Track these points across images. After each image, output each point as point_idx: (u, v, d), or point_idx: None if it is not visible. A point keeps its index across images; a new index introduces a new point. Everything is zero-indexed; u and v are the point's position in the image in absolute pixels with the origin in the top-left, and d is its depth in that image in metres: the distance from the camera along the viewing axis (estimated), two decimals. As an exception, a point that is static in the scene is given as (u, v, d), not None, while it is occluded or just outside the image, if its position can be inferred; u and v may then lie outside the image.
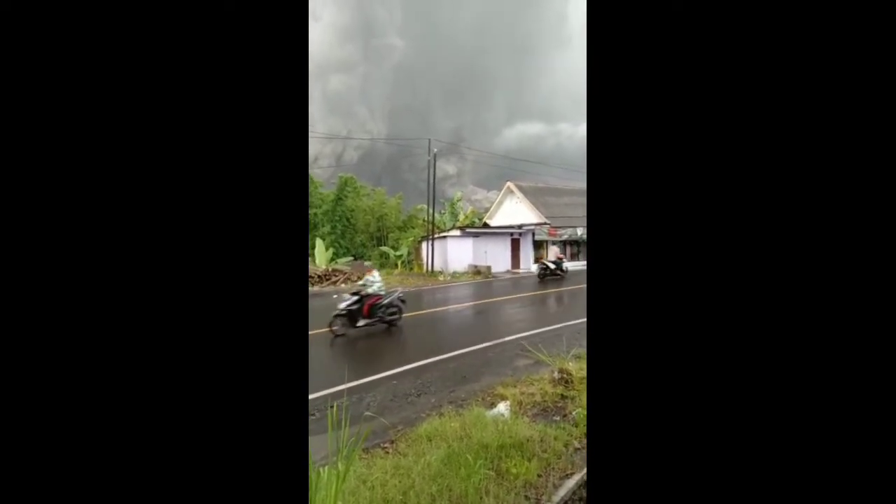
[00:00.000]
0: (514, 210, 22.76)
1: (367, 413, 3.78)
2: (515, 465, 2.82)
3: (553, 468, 2.91)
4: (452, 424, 3.46)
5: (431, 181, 18.79)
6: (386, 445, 3.31)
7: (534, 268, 19.56)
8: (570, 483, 2.79)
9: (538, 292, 12.35)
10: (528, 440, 3.15)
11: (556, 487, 2.72)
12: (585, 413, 3.66)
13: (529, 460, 2.91)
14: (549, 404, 3.96)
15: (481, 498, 2.45)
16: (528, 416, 3.74)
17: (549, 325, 7.46)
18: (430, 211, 19.51)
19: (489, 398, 4.19)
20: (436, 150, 18.99)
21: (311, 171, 28.49)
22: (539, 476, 2.80)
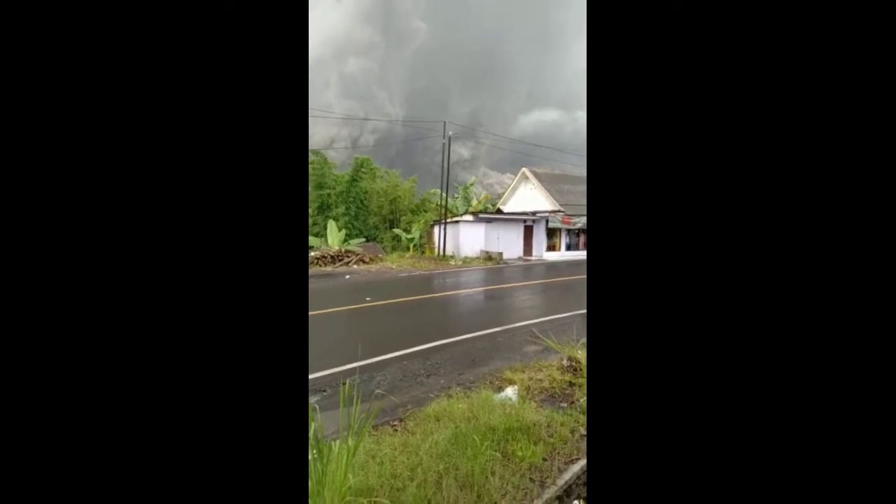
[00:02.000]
0: (529, 196, 22.53)
1: (378, 391, 3.87)
2: (521, 448, 2.86)
3: (559, 453, 2.95)
4: (460, 406, 3.52)
5: (446, 165, 18.68)
6: (395, 423, 3.38)
7: (547, 255, 19.46)
8: (575, 468, 2.82)
9: (549, 280, 12.31)
10: (534, 424, 3.18)
11: (560, 471, 2.76)
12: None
13: (535, 444, 2.95)
14: (557, 390, 3.99)
15: (487, 478, 2.50)
16: (535, 401, 3.77)
17: (558, 313, 7.45)
18: (444, 195, 19.43)
19: (497, 382, 4.23)
20: (451, 133, 18.79)
21: (326, 153, 28.56)
22: (544, 460, 2.84)
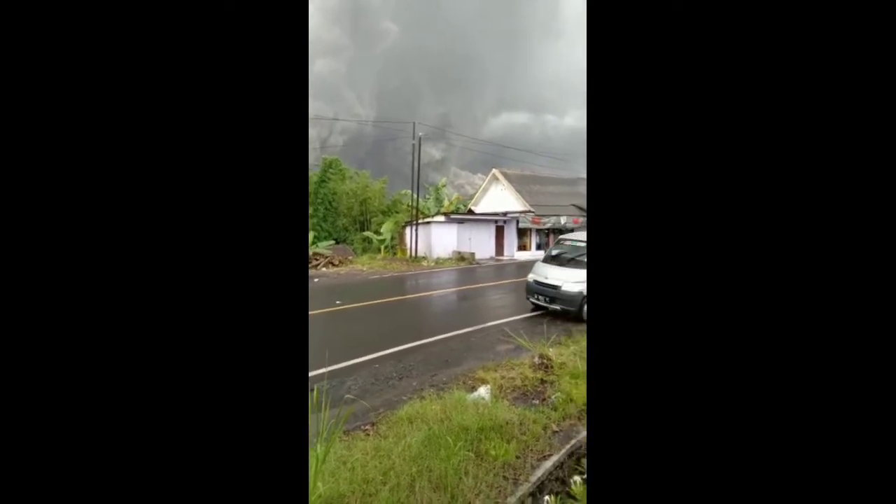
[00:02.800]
0: (500, 197, 22.79)
1: (348, 396, 3.78)
2: (495, 446, 2.87)
3: (531, 450, 2.97)
4: (433, 407, 3.49)
5: (416, 166, 18.61)
6: (367, 428, 3.32)
7: (518, 255, 19.72)
8: (548, 464, 2.85)
9: (521, 279, 12.47)
10: (507, 423, 3.20)
11: (533, 468, 2.79)
12: (563, 397, 3.74)
13: (508, 442, 2.96)
14: (529, 388, 4.03)
15: (461, 478, 2.48)
16: (508, 399, 3.79)
17: (531, 312, 7.55)
18: (415, 196, 19.34)
19: (470, 382, 4.24)
20: (421, 133, 18.75)
21: None
22: (517, 457, 2.85)
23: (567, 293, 6.76)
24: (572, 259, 7.30)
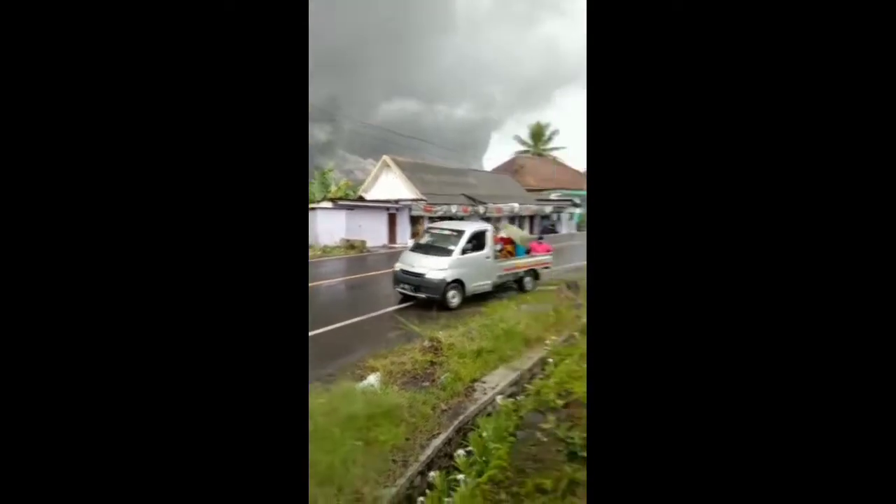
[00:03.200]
0: (392, 184, 22.60)
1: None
2: (384, 432, 2.85)
3: (420, 431, 3.02)
4: (319, 401, 3.32)
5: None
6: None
7: (411, 242, 19.89)
8: (437, 442, 2.93)
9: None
10: (396, 407, 3.20)
11: (423, 448, 2.84)
12: (452, 377, 3.88)
13: (398, 426, 2.97)
14: (419, 371, 4.09)
15: (348, 469, 2.40)
16: (398, 384, 3.80)
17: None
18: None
19: (360, 371, 4.14)
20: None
21: None
22: (407, 440, 2.87)
23: (430, 281, 6.73)
24: (439, 247, 7.27)
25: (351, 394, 3.44)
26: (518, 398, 3.77)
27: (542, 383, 3.88)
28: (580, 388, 3.46)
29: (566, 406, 3.36)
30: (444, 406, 3.44)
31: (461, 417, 3.29)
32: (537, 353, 4.71)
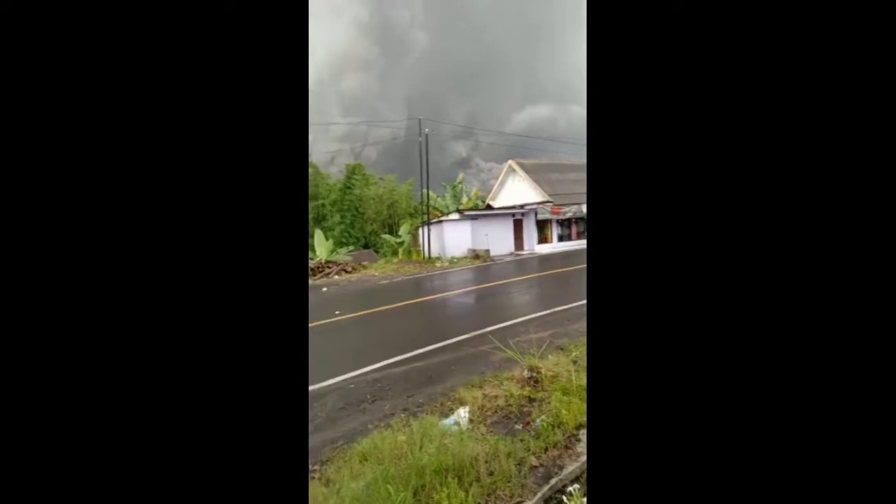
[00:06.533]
0: (517, 189, 22.00)
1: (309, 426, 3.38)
2: (448, 496, 2.36)
3: (497, 497, 2.44)
4: (399, 438, 3.03)
5: (424, 162, 18.17)
6: (315, 468, 2.90)
7: (538, 248, 18.90)
8: (511, 517, 2.32)
9: (534, 275, 11.79)
10: (473, 460, 2.68)
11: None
12: (549, 420, 3.18)
13: (468, 488, 2.45)
14: (514, 409, 3.49)
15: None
16: (486, 424, 3.28)
17: (545, 310, 6.93)
18: (425, 193, 18.84)
19: (449, 403, 3.74)
20: (427, 130, 18.24)
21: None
22: (473, 510, 2.33)
23: None
24: None
25: (431, 433, 3.06)
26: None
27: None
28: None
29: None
30: (534, 461, 2.78)
31: (553, 481, 2.59)
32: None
